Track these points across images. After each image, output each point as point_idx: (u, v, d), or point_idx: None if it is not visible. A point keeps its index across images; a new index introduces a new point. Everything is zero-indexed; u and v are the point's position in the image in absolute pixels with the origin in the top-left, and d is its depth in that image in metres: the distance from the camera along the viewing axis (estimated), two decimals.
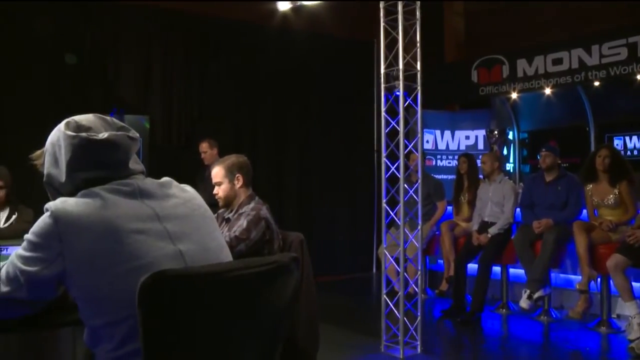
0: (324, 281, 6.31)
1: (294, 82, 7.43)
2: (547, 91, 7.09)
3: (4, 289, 1.48)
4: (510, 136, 8.41)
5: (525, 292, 4.96)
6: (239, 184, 3.20)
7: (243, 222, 3.03)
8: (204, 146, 6.06)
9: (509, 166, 8.36)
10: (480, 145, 8.16)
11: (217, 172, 3.22)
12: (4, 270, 1.50)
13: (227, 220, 3.15)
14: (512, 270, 5.69)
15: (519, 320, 5.36)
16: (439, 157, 8.22)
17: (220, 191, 3.21)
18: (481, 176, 6.28)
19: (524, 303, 4.94)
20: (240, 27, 7.04)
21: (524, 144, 8.53)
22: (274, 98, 7.34)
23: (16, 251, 1.49)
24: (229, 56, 6.99)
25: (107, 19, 6.31)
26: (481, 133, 8.20)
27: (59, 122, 1.70)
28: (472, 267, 5.55)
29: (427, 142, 8.07)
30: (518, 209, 5.55)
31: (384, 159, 4.47)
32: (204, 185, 4.98)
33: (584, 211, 5.18)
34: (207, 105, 6.91)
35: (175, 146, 6.68)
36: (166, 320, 1.30)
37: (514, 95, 7.46)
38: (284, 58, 7.26)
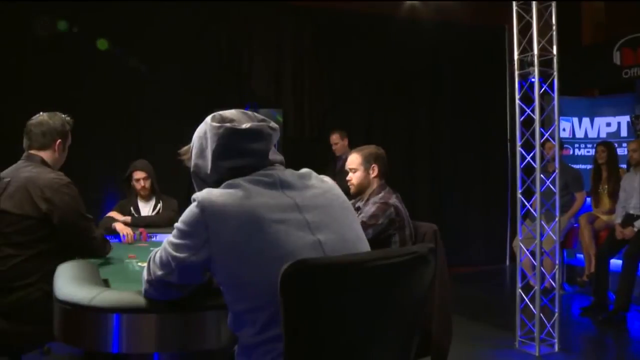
0: (457, 272, 6.20)
1: (423, 72, 7.35)
2: None
3: (159, 272, 1.60)
4: None
5: None
6: (373, 174, 3.22)
7: (371, 209, 3.07)
8: (334, 137, 6.15)
9: None
10: (624, 133, 7.59)
11: (354, 159, 3.25)
12: (158, 255, 1.61)
13: (358, 209, 3.18)
14: None
15: None
16: (576, 145, 7.77)
17: (354, 178, 3.24)
18: (622, 165, 5.87)
19: None
20: (368, 19, 7.07)
21: None
22: (403, 88, 7.30)
23: (168, 238, 1.59)
24: (358, 48, 7.03)
25: (240, 17, 6.59)
26: (624, 119, 7.62)
27: (197, 117, 1.80)
28: (615, 262, 5.20)
29: (564, 130, 7.64)
30: None
31: (519, 149, 4.31)
32: (337, 178, 5.05)
33: None
34: (337, 97, 7.02)
35: (308, 138, 6.85)
36: (306, 308, 1.33)
37: None
38: (413, 48, 7.20)
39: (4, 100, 5.48)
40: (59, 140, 2.84)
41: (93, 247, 2.77)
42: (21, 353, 2.82)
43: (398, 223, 3.06)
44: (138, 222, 4.15)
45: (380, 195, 3.16)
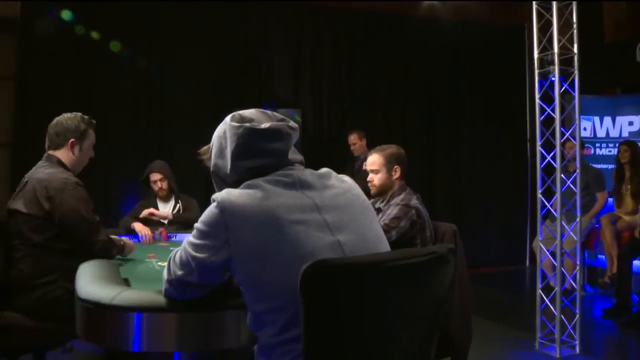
0: (475, 273, 6.16)
1: (442, 72, 7.32)
2: None
3: (179, 272, 1.61)
4: None
5: None
6: (395, 175, 3.19)
7: (393, 211, 3.05)
8: (353, 138, 6.14)
9: None
10: None
11: (376, 160, 3.20)
12: (178, 255, 1.62)
13: (379, 210, 3.17)
14: None
15: None
16: (597, 145, 7.67)
17: (375, 179, 3.20)
18: None
19: None
20: (387, 18, 7.06)
21: None
22: (422, 88, 7.28)
23: (188, 238, 1.60)
24: (377, 48, 7.03)
25: (260, 17, 6.61)
26: None
27: (216, 116, 1.80)
28: (638, 264, 5.13)
29: (585, 129, 7.55)
30: None
31: (538, 148, 4.27)
32: (356, 178, 5.04)
33: None
34: (356, 97, 7.01)
35: (326, 138, 6.84)
36: (326, 308, 1.33)
37: None
38: (432, 47, 7.17)
39: (31, 104, 5.58)
40: (72, 140, 2.85)
41: (94, 250, 2.67)
42: (44, 350, 2.86)
43: (419, 225, 3.04)
44: (178, 220, 4.23)
45: (401, 196, 3.14)
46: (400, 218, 3.01)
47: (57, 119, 2.91)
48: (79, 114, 2.94)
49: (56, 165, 2.81)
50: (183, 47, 6.18)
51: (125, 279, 2.25)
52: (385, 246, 1.63)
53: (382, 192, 3.22)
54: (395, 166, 3.19)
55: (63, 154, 2.85)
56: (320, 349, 1.33)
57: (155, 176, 4.45)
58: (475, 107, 7.46)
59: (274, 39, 6.71)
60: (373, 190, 3.21)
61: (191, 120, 6.01)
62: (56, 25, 5.65)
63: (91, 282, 1.98)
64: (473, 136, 7.48)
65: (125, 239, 2.96)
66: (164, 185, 4.46)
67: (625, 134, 7.47)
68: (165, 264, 1.69)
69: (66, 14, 5.67)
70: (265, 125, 1.62)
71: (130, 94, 6.04)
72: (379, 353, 1.41)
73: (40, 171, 2.77)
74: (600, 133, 7.68)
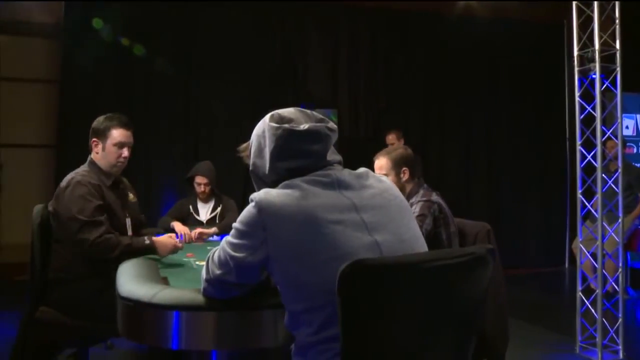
0: (514, 274, 6.10)
1: (479, 70, 7.25)
2: None
3: (217, 271, 1.63)
4: None
5: None
6: (404, 177, 3.16)
7: (415, 209, 3.04)
8: (391, 137, 6.11)
9: None
10: None
11: (384, 164, 3.15)
12: (216, 255, 1.64)
13: None
14: None
15: None
16: None
17: None
18: None
19: None
20: (423, 18, 7.04)
21: None
22: (459, 87, 7.22)
23: (226, 237, 1.61)
24: (414, 47, 7.02)
25: (296, 17, 6.67)
26: None
27: (254, 117, 1.82)
28: None
29: (627, 127, 7.39)
30: None
31: (578, 147, 4.19)
32: None
33: None
34: (393, 97, 7.00)
35: (363, 138, 6.84)
36: (364, 308, 1.33)
37: None
38: (469, 46, 7.11)
39: (75, 107, 5.72)
40: (94, 140, 2.89)
41: (84, 248, 2.61)
42: (82, 346, 2.93)
43: (442, 220, 3.03)
44: (224, 231, 4.23)
45: (420, 193, 3.14)
46: (425, 215, 3.00)
47: None
48: (109, 114, 2.93)
49: (87, 166, 2.88)
50: (221, 48, 6.27)
51: (164, 277, 2.29)
52: (422, 246, 1.62)
53: None
54: (404, 168, 3.16)
55: (94, 154, 2.91)
56: (357, 349, 1.33)
57: (201, 179, 4.49)
58: (513, 105, 7.37)
59: (311, 40, 6.75)
60: None
61: (229, 121, 6.09)
62: (97, 31, 5.79)
63: (131, 281, 2.02)
64: (511, 135, 7.39)
65: (163, 237, 2.80)
66: (207, 189, 4.51)
67: None
68: (204, 263, 1.72)
69: (97, 22, 5.80)
70: (304, 126, 1.62)
71: (169, 94, 6.16)
72: (416, 353, 1.41)
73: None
74: None
